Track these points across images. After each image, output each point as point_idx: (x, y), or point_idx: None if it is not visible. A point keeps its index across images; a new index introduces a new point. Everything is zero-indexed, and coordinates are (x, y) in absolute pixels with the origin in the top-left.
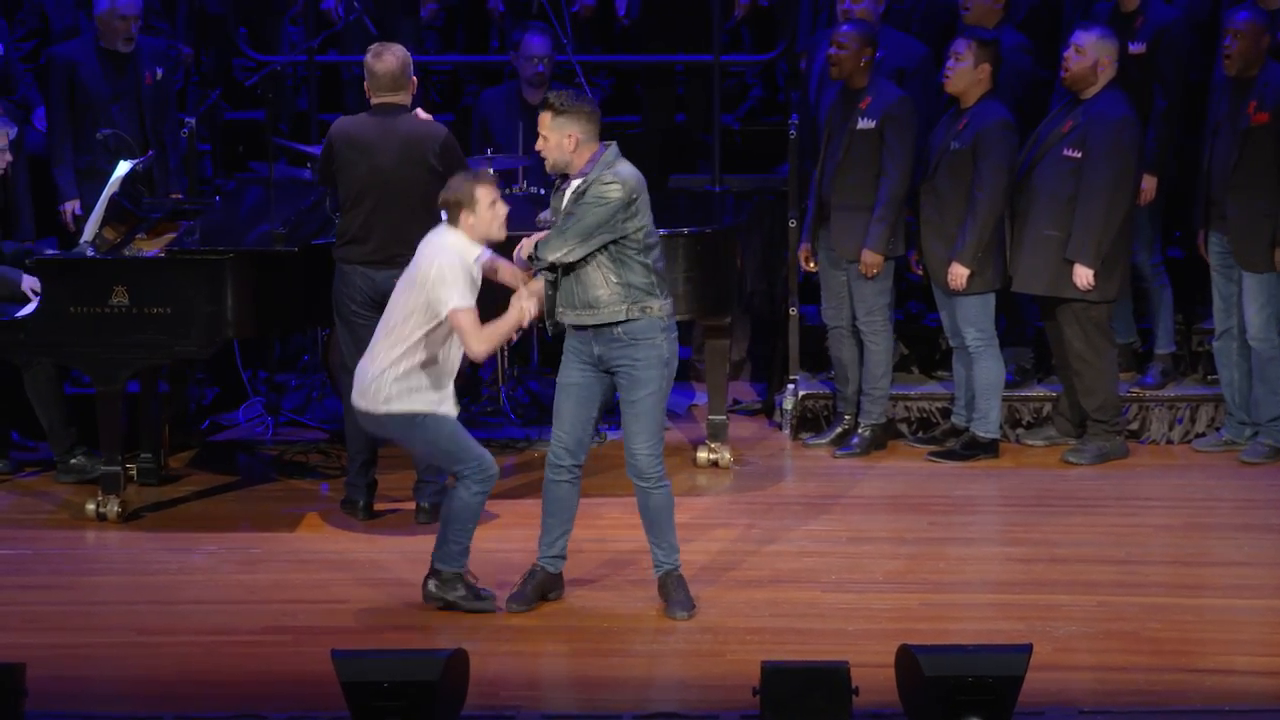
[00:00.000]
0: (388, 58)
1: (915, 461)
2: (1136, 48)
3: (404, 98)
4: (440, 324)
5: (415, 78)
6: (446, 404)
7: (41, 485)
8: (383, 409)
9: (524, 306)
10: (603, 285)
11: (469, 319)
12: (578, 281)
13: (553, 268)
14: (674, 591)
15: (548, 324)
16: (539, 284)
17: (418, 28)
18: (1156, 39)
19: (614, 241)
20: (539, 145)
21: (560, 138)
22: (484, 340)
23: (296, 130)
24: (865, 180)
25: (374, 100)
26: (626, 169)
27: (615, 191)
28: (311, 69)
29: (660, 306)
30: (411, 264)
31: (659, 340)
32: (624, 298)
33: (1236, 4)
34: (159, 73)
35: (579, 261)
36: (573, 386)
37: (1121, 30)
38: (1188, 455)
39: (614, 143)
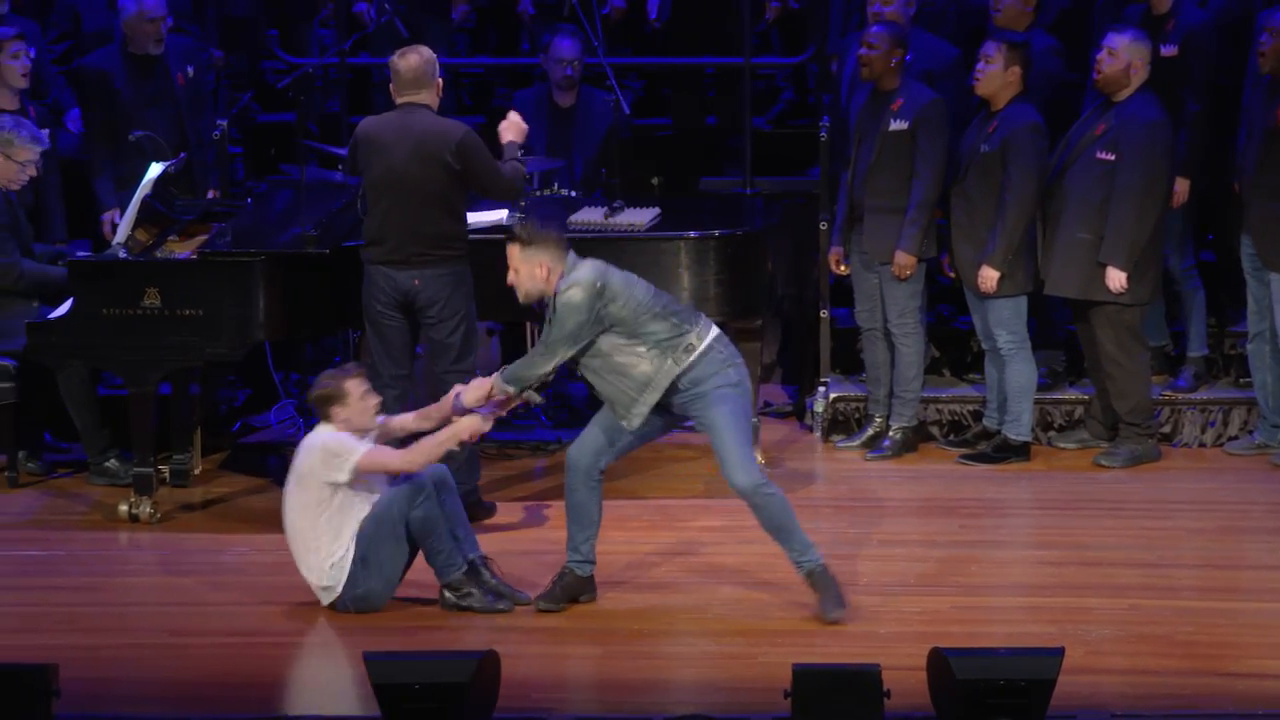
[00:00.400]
0: (411, 56)
1: (946, 464)
2: (1168, 50)
3: (426, 97)
4: (350, 488)
5: (441, 80)
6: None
7: (74, 487)
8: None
9: (464, 425)
10: (639, 359)
11: (378, 455)
12: (617, 375)
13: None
14: (824, 584)
15: (627, 422)
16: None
17: (449, 30)
18: (1187, 41)
19: (612, 327)
20: (510, 279)
21: (532, 268)
22: (415, 456)
23: (328, 132)
24: (897, 182)
25: (398, 100)
26: (583, 268)
27: (577, 295)
28: (343, 71)
29: (699, 333)
30: (290, 474)
31: (722, 373)
32: (666, 353)
33: (1270, 5)
34: (190, 71)
35: (597, 364)
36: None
37: (1153, 33)
38: (1220, 459)
39: (570, 251)
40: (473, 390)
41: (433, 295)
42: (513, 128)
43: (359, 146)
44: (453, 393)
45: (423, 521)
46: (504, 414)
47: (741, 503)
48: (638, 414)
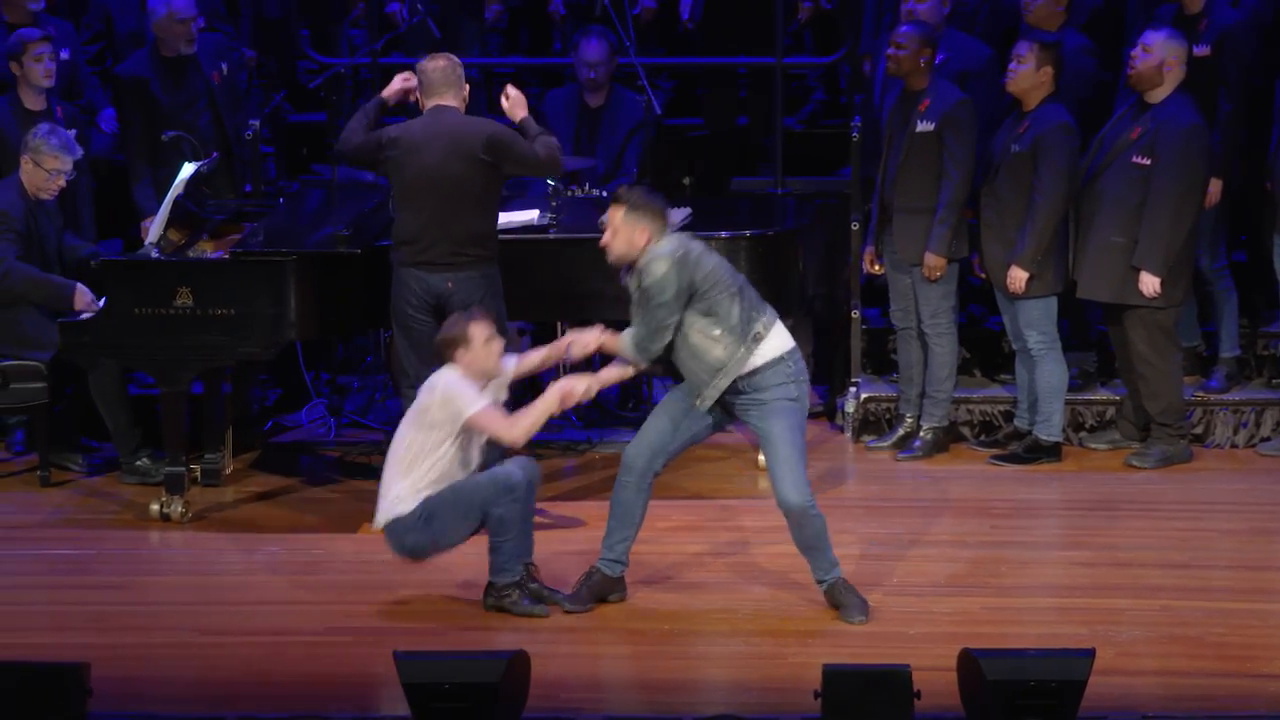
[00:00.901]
0: (439, 60)
1: (977, 465)
2: (1201, 50)
3: (453, 99)
4: (456, 438)
5: (467, 84)
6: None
7: (106, 486)
8: (392, 514)
9: (567, 389)
10: (713, 344)
11: (491, 414)
12: (693, 358)
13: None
14: (844, 596)
15: (700, 403)
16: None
17: (482, 30)
18: (1221, 41)
19: (693, 297)
20: (606, 239)
21: (631, 233)
22: (518, 427)
23: None
24: (926, 183)
25: (425, 104)
26: (664, 242)
27: (662, 266)
28: (375, 71)
29: (765, 323)
30: (412, 406)
31: (785, 386)
32: (739, 340)
33: None
34: (224, 68)
35: (675, 341)
36: (671, 404)
37: (1186, 32)
38: (1252, 459)
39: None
40: (581, 342)
41: (466, 297)
42: (517, 104)
43: (388, 148)
44: (565, 340)
45: (500, 521)
46: (602, 388)
47: (770, 503)
48: (709, 397)
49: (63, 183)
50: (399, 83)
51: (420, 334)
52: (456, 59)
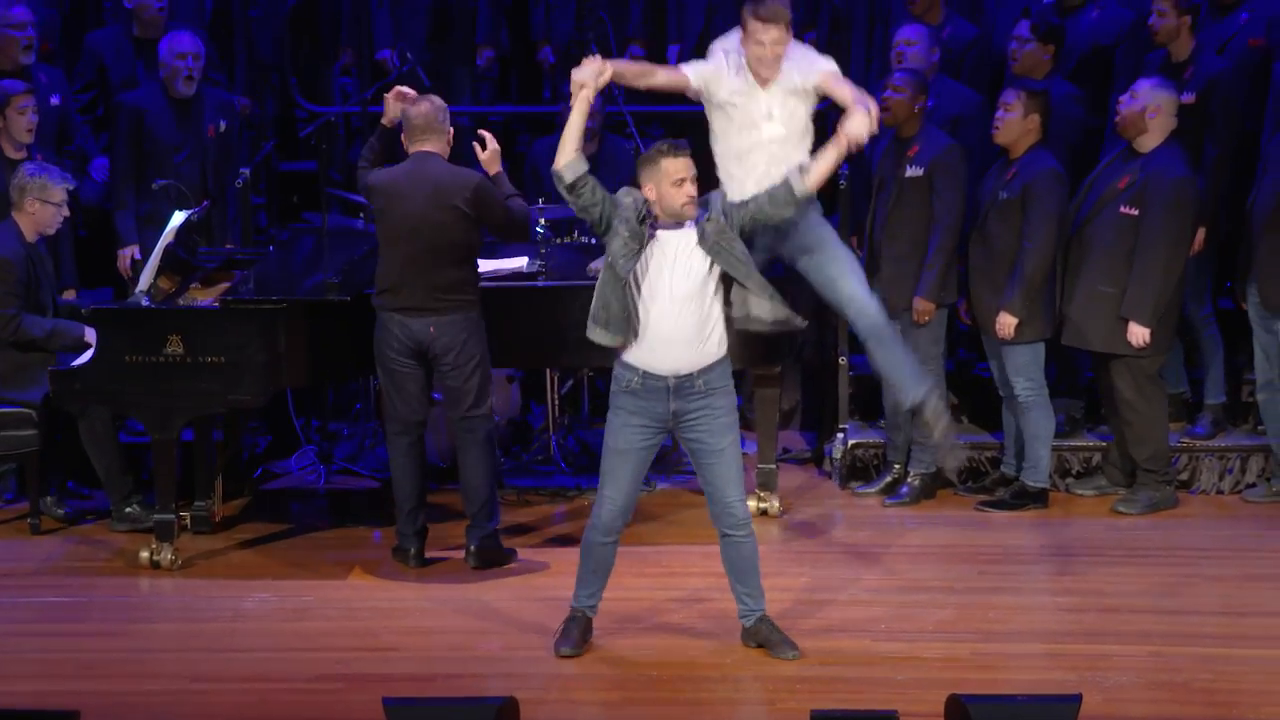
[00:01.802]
0: (423, 104)
1: (965, 511)
2: (1187, 97)
3: (437, 144)
4: None
5: (451, 129)
6: None
7: (97, 533)
8: None
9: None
10: (721, 321)
11: None
12: (709, 321)
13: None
14: (773, 634)
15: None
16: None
17: (473, 77)
18: (1207, 89)
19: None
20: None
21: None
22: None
23: (349, 180)
24: (916, 228)
25: (410, 148)
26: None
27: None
28: (365, 119)
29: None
30: None
31: (731, 385)
32: (725, 331)
33: None
34: (222, 125)
35: (717, 299)
36: (633, 452)
37: (1174, 80)
38: (1238, 505)
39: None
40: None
41: (448, 342)
42: (494, 157)
43: (374, 196)
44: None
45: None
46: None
47: (760, 548)
48: (683, 372)
49: (66, 213)
50: (394, 102)
51: (403, 377)
52: (442, 103)
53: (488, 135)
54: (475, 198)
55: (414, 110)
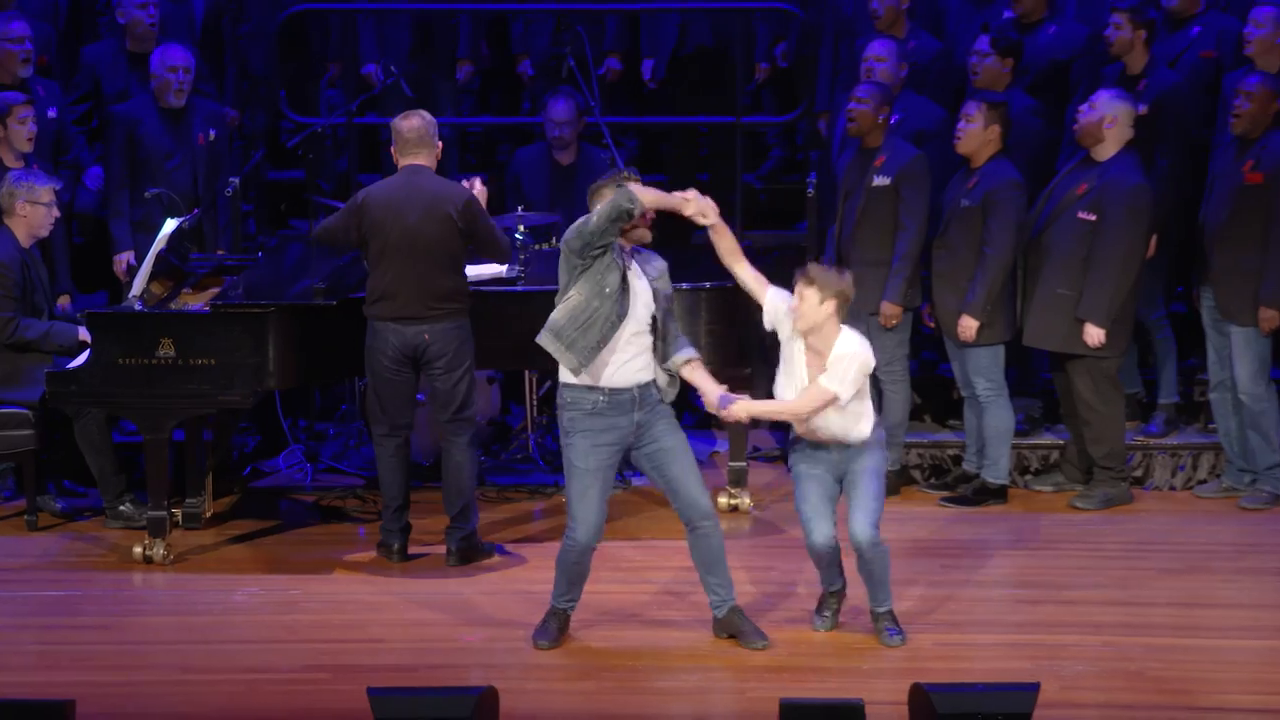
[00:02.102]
0: (413, 119)
1: (928, 506)
2: (1141, 109)
3: (426, 158)
4: None
5: (440, 142)
6: None
7: (91, 529)
8: None
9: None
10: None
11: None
12: (669, 337)
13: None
14: (744, 624)
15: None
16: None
17: (455, 91)
18: (1160, 101)
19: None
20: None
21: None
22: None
23: (336, 189)
24: (882, 236)
25: (400, 162)
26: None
27: None
28: (351, 130)
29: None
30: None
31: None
32: None
33: (1239, 68)
34: (212, 134)
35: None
36: (602, 471)
37: (1129, 92)
38: (1190, 501)
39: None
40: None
41: (442, 348)
42: (481, 198)
43: (368, 209)
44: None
45: None
46: None
47: (730, 543)
48: (657, 382)
49: (57, 213)
50: None
51: (396, 384)
52: (432, 118)
53: (477, 180)
54: (466, 210)
55: (405, 125)
